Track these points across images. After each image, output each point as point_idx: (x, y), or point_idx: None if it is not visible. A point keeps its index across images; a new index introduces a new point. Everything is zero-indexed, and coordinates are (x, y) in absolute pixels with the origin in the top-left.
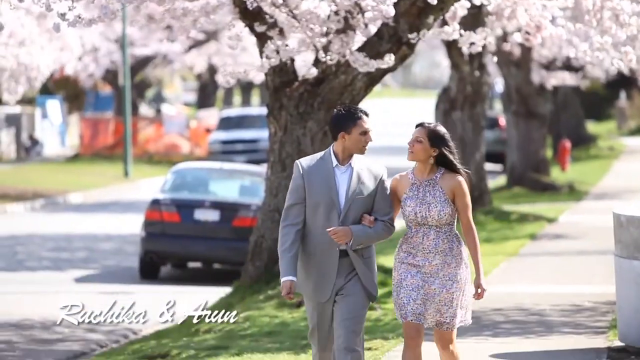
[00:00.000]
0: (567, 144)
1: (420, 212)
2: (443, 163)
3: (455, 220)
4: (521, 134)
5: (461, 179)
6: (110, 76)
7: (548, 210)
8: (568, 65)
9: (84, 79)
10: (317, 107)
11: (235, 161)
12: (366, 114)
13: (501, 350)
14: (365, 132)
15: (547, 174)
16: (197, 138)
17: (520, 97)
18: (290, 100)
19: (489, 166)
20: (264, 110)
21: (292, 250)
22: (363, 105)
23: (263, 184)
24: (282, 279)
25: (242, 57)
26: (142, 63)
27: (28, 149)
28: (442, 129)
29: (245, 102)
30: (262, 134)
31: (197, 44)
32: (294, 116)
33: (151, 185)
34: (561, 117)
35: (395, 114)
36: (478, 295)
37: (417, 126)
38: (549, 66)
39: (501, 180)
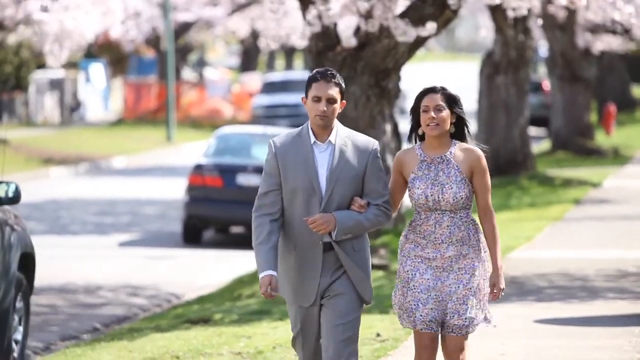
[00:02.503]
0: (612, 108)
1: (432, 194)
2: (457, 134)
3: (472, 204)
4: (566, 98)
5: (480, 153)
6: (153, 41)
7: (592, 174)
8: (613, 29)
9: (127, 43)
10: (360, 71)
11: (278, 125)
12: (329, 76)
13: (545, 316)
14: (317, 99)
15: (591, 139)
16: (240, 102)
17: (565, 61)
18: (333, 65)
19: (532, 131)
20: (306, 75)
21: (269, 242)
22: (406, 69)
23: None
24: (260, 275)
25: (285, 22)
26: (184, 27)
27: (73, 109)
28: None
29: (288, 66)
30: None
31: (239, 8)
32: None
33: (194, 149)
34: (606, 81)
35: (438, 78)
36: (494, 296)
37: (426, 92)
38: (595, 30)
39: (545, 144)
